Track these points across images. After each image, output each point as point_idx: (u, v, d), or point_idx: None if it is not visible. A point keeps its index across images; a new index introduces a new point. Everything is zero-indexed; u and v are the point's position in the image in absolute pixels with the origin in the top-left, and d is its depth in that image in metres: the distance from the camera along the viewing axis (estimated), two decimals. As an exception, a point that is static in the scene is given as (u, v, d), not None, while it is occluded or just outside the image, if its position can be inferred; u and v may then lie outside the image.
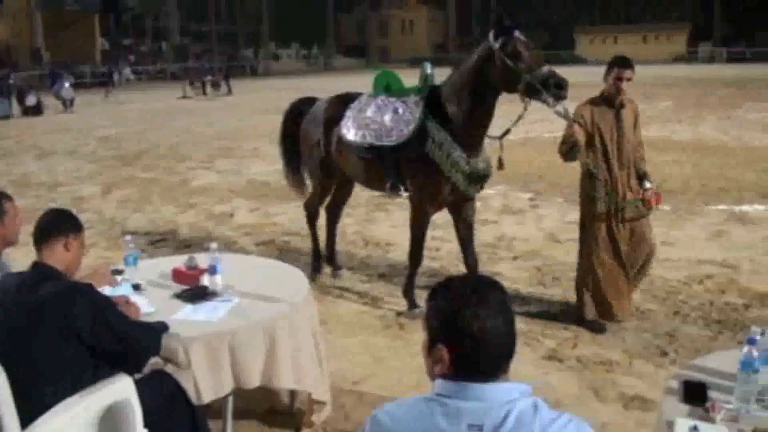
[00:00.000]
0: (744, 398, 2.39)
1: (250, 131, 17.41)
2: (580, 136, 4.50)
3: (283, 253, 6.81)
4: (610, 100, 4.63)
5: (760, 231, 7.27)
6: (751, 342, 2.44)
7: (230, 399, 3.28)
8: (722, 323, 4.94)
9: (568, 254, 6.64)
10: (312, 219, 6.14)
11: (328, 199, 6.12)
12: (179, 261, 3.84)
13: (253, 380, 3.15)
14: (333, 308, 5.40)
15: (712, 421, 2.31)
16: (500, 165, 4.80)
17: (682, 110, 19.97)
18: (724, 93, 25.81)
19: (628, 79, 4.56)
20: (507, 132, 4.75)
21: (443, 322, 1.57)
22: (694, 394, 2.46)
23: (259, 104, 25.06)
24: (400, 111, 4.98)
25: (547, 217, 7.97)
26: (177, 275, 3.68)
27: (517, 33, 4.41)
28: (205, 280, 3.53)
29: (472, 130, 4.72)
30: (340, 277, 6.07)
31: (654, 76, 35.58)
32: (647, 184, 4.74)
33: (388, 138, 4.94)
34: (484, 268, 6.26)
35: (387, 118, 4.99)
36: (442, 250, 6.83)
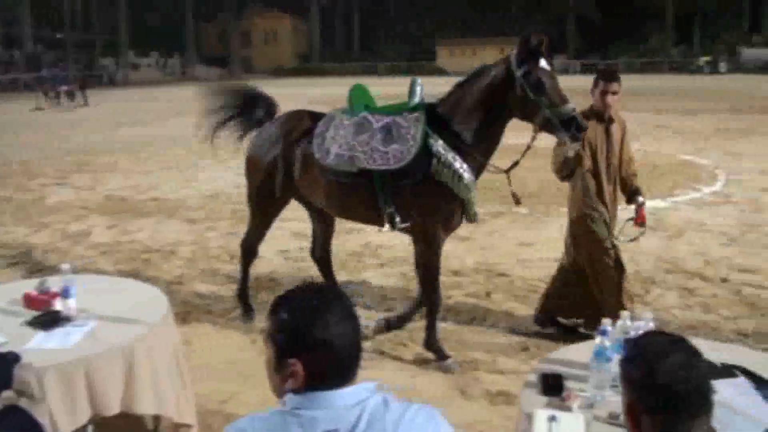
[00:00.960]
0: (599, 386, 2.52)
1: (107, 144, 16.65)
2: (587, 161, 4.51)
3: (143, 272, 6.54)
4: (599, 115, 4.56)
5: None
6: (603, 333, 2.59)
7: (90, 428, 3.11)
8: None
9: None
10: (249, 258, 5.39)
11: (313, 244, 5.55)
12: (31, 285, 3.59)
13: (112, 407, 2.99)
14: (197, 327, 5.23)
15: (569, 409, 2.41)
16: (516, 200, 4.48)
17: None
18: (577, 102, 27.27)
19: (614, 93, 4.51)
20: (515, 164, 4.45)
21: (292, 336, 1.54)
22: (552, 385, 2.56)
23: (116, 115, 24.00)
24: (394, 131, 4.38)
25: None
26: (28, 301, 3.43)
27: (543, 62, 4.16)
28: (58, 305, 3.31)
29: (481, 152, 4.37)
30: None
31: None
32: (640, 199, 4.70)
33: (384, 161, 4.33)
34: (351, 276, 6.29)
35: (379, 138, 4.40)
36: (309, 261, 6.78)
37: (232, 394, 4.16)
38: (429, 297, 4.61)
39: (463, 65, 63.08)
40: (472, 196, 4.34)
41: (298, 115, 5.03)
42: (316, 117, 4.88)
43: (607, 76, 4.55)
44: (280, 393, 1.58)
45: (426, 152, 4.26)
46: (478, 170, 4.39)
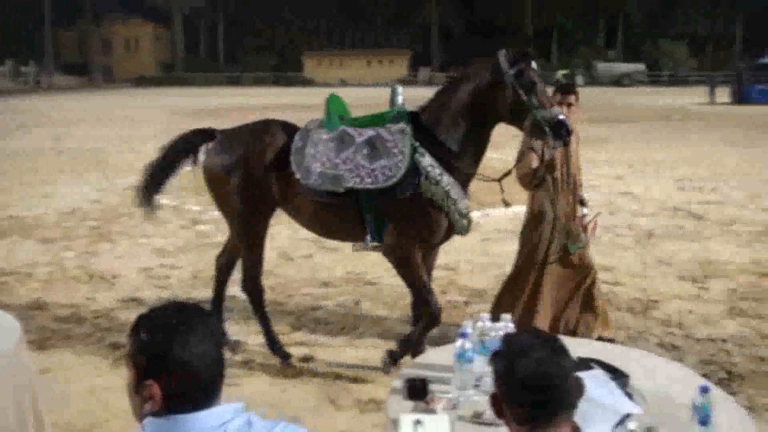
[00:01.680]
0: (462, 386, 2.60)
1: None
2: (536, 163, 4.53)
3: (-5, 296, 6.11)
4: None
5: (477, 235, 7.98)
6: (463, 335, 2.67)
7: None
8: (448, 320, 5.31)
9: (301, 271, 6.81)
10: (260, 295, 4.79)
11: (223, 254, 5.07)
12: None
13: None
14: (56, 354, 4.93)
15: (433, 412, 2.46)
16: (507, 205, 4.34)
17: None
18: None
19: (569, 105, 4.57)
20: (508, 173, 4.35)
21: (151, 356, 1.50)
22: (417, 389, 2.60)
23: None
24: (379, 145, 4.11)
25: (278, 235, 8.05)
26: None
27: (533, 63, 4.04)
28: None
29: (469, 161, 4.20)
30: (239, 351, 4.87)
31: (378, 97, 37.70)
32: (585, 210, 4.83)
33: (372, 179, 4.06)
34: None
35: (364, 153, 4.11)
36: (172, 278, 6.61)
37: (93, 423, 3.95)
38: (426, 305, 4.33)
39: (331, 76, 63.94)
40: (460, 208, 4.15)
41: (267, 129, 4.55)
42: (289, 129, 4.52)
43: (564, 89, 4.66)
44: (140, 416, 1.52)
45: (414, 167, 4.05)
46: (467, 180, 4.24)
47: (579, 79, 54.30)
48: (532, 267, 4.79)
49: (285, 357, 4.68)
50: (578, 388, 1.72)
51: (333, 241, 5.07)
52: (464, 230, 4.28)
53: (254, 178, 4.39)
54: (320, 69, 64.99)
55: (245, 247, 4.67)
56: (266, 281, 6.30)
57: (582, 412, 1.80)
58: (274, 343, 4.73)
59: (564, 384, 1.68)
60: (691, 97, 37.18)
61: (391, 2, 68.47)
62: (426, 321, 4.35)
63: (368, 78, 59.74)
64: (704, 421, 2.17)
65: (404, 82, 59.44)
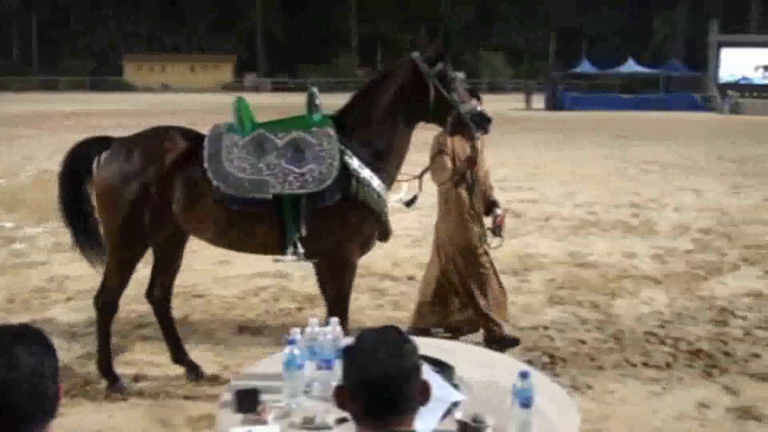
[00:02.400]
0: (293, 394, 2.55)
1: None
2: (449, 162, 4.65)
3: None
4: None
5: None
6: (291, 342, 2.62)
7: None
8: (281, 327, 5.18)
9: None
10: (110, 314, 4.38)
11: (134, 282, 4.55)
12: None
13: None
14: None
15: (264, 423, 2.40)
16: (410, 203, 4.43)
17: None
18: (266, 118, 27.83)
19: None
20: (426, 171, 4.48)
21: None
22: (247, 401, 2.53)
23: None
24: (305, 149, 3.93)
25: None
26: None
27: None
28: None
29: (395, 164, 4.19)
30: (201, 377, 4.48)
31: (204, 103, 36.83)
32: (498, 211, 4.91)
33: (301, 183, 3.87)
34: (36, 314, 5.69)
35: (289, 157, 3.92)
36: None
37: None
38: (344, 317, 4.03)
39: (152, 81, 61.57)
40: (387, 210, 4.12)
41: (166, 135, 4.19)
42: (190, 136, 4.21)
43: (471, 93, 4.64)
44: None
45: (343, 171, 3.93)
46: (390, 182, 4.19)
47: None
48: (476, 264, 4.90)
49: (114, 380, 4.34)
50: (424, 392, 1.74)
51: (240, 253, 4.73)
52: (390, 233, 4.28)
53: (152, 189, 4.01)
54: (141, 73, 62.36)
55: (117, 264, 4.24)
56: (88, 301, 5.93)
57: None
58: (108, 366, 4.36)
59: (404, 385, 1.68)
60: (509, 103, 39.48)
61: (214, 6, 67.04)
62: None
63: (192, 83, 58.25)
64: (526, 403, 2.28)
65: (230, 88, 58.65)
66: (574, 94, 41.38)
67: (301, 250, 3.98)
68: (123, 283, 4.30)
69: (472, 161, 4.73)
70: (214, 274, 6.76)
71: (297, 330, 2.71)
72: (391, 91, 4.13)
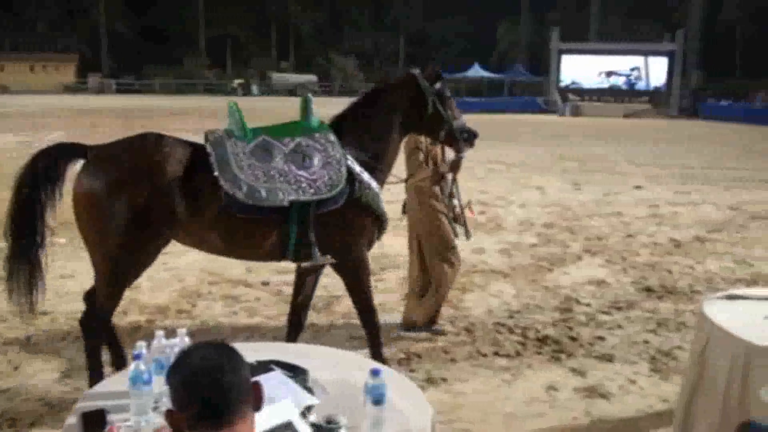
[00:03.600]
0: (141, 411, 2.44)
1: None
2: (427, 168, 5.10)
3: None
4: None
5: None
6: (137, 357, 2.51)
7: None
8: (131, 342, 5.01)
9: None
10: (103, 333, 4.07)
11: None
12: None
13: None
14: None
15: (112, 443, 2.30)
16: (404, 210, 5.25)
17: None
18: (115, 121, 26.67)
19: None
20: (410, 176, 5.11)
21: None
22: (92, 422, 2.40)
23: None
24: (314, 154, 4.02)
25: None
26: None
27: None
28: None
29: (387, 171, 4.47)
30: None
31: (44, 105, 34.70)
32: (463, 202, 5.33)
33: (315, 189, 3.94)
34: None
35: (299, 163, 3.96)
36: None
37: None
38: (372, 322, 4.43)
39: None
40: (385, 210, 4.32)
41: (161, 142, 3.89)
42: (185, 143, 3.98)
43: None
44: None
45: (350, 175, 4.08)
46: (381, 184, 4.40)
47: (255, 89, 55.41)
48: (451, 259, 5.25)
49: None
50: (257, 400, 1.73)
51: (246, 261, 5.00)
52: (385, 230, 4.49)
53: (149, 200, 3.72)
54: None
55: (111, 280, 3.90)
56: None
57: (263, 415, 1.81)
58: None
59: (230, 394, 1.66)
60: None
61: (55, 2, 63.07)
62: (375, 332, 4.46)
63: (32, 85, 54.47)
64: (378, 400, 2.31)
65: (72, 90, 55.62)
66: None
67: (317, 253, 4.06)
68: (116, 298, 3.99)
69: (456, 165, 5.04)
70: (58, 289, 6.37)
71: (142, 344, 2.61)
72: (390, 102, 4.40)
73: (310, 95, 4.44)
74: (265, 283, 6.54)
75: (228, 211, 3.85)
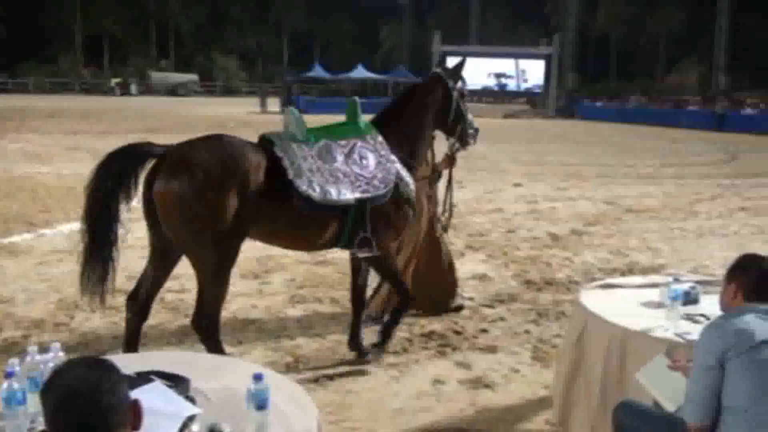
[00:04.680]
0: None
1: None
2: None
3: None
4: None
5: (30, 260, 7.31)
6: (10, 375, 2.38)
7: None
8: (5, 360, 4.74)
9: None
10: (216, 330, 4.08)
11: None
12: None
13: None
14: None
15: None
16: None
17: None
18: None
19: None
20: (434, 171, 5.48)
21: None
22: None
23: None
24: (368, 155, 4.42)
25: None
26: None
27: None
28: None
29: (419, 167, 4.93)
30: None
31: None
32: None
33: (373, 187, 4.34)
34: None
35: (358, 163, 4.35)
36: None
37: None
38: (404, 296, 4.86)
39: None
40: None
41: (232, 144, 4.07)
42: (255, 146, 4.21)
43: None
44: None
45: (397, 173, 4.50)
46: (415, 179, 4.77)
47: (133, 89, 53.55)
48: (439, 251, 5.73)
49: None
50: (136, 416, 1.67)
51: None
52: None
53: (238, 197, 3.90)
54: None
55: (213, 279, 4.01)
56: None
57: (144, 428, 1.75)
58: None
59: (108, 415, 1.60)
60: (245, 106, 39.44)
61: None
62: (402, 303, 4.88)
63: None
64: (261, 405, 2.29)
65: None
66: (308, 97, 42.57)
67: (373, 245, 4.41)
68: (223, 297, 4.14)
69: (452, 159, 5.34)
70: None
71: (15, 360, 2.47)
72: (423, 103, 4.84)
73: (356, 98, 4.75)
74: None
75: (300, 210, 4.12)
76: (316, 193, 4.11)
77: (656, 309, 3.78)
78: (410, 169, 4.67)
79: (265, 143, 4.25)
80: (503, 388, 4.57)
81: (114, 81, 55.37)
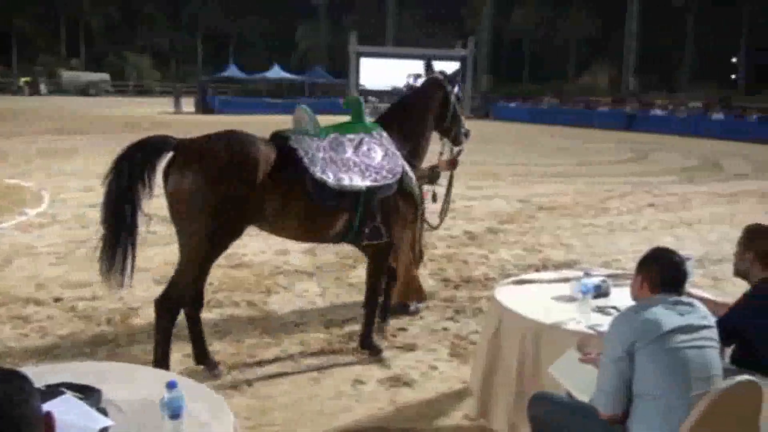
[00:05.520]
0: None
1: None
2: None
3: None
4: None
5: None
6: None
7: None
8: None
9: None
10: (176, 316, 4.26)
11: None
12: None
13: None
14: None
15: None
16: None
17: None
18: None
19: None
20: (435, 167, 5.52)
21: None
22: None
23: None
24: (377, 148, 4.74)
25: None
26: None
27: None
28: None
29: (419, 165, 5.16)
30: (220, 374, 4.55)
31: None
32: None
33: (382, 177, 4.62)
34: None
35: (366, 155, 4.66)
36: None
37: None
38: (375, 300, 5.06)
39: None
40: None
41: (245, 138, 4.29)
42: (267, 141, 4.45)
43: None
44: None
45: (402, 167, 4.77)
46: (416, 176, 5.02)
47: (43, 88, 51.48)
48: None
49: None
50: (50, 427, 1.60)
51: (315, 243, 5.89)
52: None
53: (243, 192, 4.10)
54: None
55: (197, 266, 4.22)
56: None
57: None
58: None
59: (21, 428, 1.52)
60: (159, 106, 38.51)
61: None
62: (372, 309, 5.06)
63: None
64: (175, 413, 2.24)
65: None
66: (223, 97, 41.93)
67: (384, 233, 4.71)
68: (200, 282, 4.36)
69: (454, 162, 5.53)
70: None
71: None
72: (423, 105, 5.21)
73: (361, 98, 5.18)
74: (58, 300, 6.08)
75: (313, 200, 4.34)
76: (330, 180, 4.36)
77: (568, 303, 3.90)
78: (412, 167, 4.95)
79: (278, 138, 4.49)
80: (422, 385, 4.62)
81: (23, 80, 52.95)
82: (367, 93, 45.65)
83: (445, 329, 5.65)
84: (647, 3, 48.03)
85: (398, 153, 4.80)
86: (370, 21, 57.24)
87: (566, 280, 4.26)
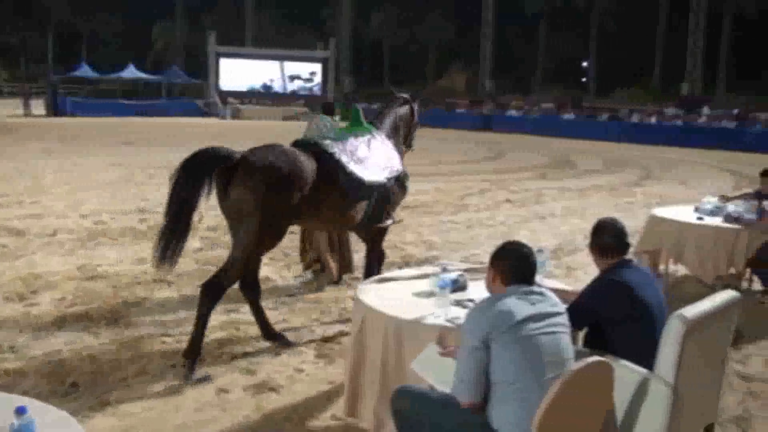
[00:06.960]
0: None
1: None
2: None
3: None
4: None
5: None
6: None
7: None
8: None
9: None
10: (219, 297, 4.89)
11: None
12: None
13: None
14: None
15: None
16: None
17: None
18: None
19: None
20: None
21: None
22: None
23: None
24: (381, 146, 5.64)
25: None
26: None
27: None
28: None
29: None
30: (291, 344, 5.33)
31: None
32: None
33: (392, 170, 5.55)
34: None
35: (378, 152, 5.54)
36: None
37: None
38: (379, 264, 5.87)
39: None
40: None
41: (288, 150, 5.00)
42: (299, 150, 5.05)
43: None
44: None
45: None
46: None
47: None
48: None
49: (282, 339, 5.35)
50: None
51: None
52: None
53: (295, 197, 4.81)
54: None
55: (246, 259, 4.83)
56: None
57: None
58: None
59: None
60: (7, 109, 36.07)
61: None
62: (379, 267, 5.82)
63: None
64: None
65: None
66: (75, 99, 39.72)
67: (396, 218, 5.85)
68: (241, 273, 4.97)
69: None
70: None
71: None
72: (402, 115, 6.21)
73: (359, 105, 6.17)
74: None
75: (348, 195, 5.15)
76: (366, 177, 5.22)
77: (428, 298, 4.01)
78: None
79: (309, 146, 5.18)
80: (288, 389, 4.59)
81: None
82: (227, 94, 44.83)
83: (311, 331, 5.64)
84: (502, 8, 50.03)
85: (396, 150, 5.81)
86: (230, 21, 56.10)
87: (425, 276, 4.38)
